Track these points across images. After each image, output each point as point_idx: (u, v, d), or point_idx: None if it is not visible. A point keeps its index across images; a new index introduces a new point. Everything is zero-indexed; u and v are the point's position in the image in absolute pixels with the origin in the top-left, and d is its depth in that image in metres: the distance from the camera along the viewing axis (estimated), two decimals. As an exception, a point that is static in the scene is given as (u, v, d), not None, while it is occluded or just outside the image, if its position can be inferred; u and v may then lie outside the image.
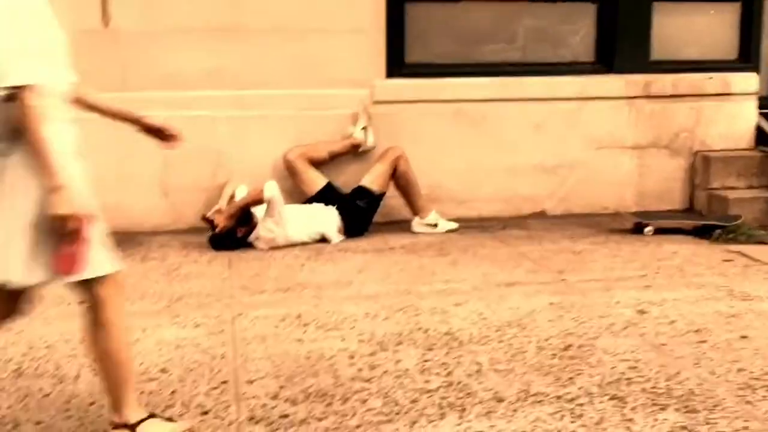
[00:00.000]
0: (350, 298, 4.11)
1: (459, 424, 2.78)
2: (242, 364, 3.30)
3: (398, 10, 5.80)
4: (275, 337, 3.59)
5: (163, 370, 3.24)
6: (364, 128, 5.66)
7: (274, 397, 3.00)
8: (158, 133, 2.89)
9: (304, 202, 5.46)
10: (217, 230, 5.10)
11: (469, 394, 3.01)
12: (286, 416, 2.84)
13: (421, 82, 5.80)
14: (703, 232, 5.38)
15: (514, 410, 2.88)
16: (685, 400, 2.95)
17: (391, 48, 5.79)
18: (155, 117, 2.88)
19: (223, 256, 4.92)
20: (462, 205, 5.84)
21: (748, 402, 2.95)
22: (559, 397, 2.97)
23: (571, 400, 2.96)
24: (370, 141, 5.68)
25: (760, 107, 6.28)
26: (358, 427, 2.77)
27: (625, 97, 6.05)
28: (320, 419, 2.82)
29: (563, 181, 6.03)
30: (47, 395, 3.03)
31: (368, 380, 3.14)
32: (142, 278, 4.43)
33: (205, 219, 5.19)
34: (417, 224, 5.57)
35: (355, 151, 5.69)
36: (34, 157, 2.30)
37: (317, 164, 5.58)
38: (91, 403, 2.94)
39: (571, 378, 3.14)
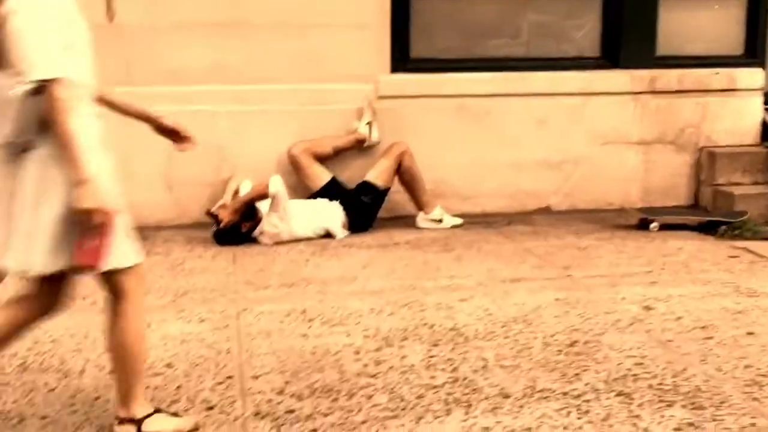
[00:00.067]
0: (355, 294, 4.11)
1: (465, 420, 2.78)
2: (247, 359, 3.30)
3: (403, 5, 5.78)
4: (280, 333, 3.58)
5: (169, 365, 3.23)
6: (369, 123, 5.65)
7: (280, 392, 2.99)
8: (173, 134, 2.94)
9: (309, 197, 5.44)
10: (221, 225, 5.09)
11: (474, 389, 3.00)
12: (291, 411, 2.84)
13: (426, 77, 5.79)
14: (708, 228, 5.36)
15: (521, 406, 2.87)
16: (692, 397, 2.94)
17: (395, 43, 5.77)
18: (168, 116, 2.92)
19: (228, 251, 4.91)
20: (467, 201, 5.83)
21: (755, 398, 2.94)
22: (565, 393, 2.97)
23: (578, 396, 2.95)
24: (375, 136, 5.67)
25: (766, 103, 6.26)
26: (363, 422, 2.77)
27: (630, 93, 6.02)
28: (326, 415, 2.82)
29: (568, 176, 6.01)
30: (52, 390, 3.03)
31: (374, 376, 3.13)
32: (147, 273, 4.38)
33: (209, 214, 5.18)
34: (422, 220, 5.56)
35: (360, 146, 5.68)
36: (60, 150, 2.30)
37: (322, 159, 5.57)
38: (97, 398, 2.94)
39: (577, 374, 3.13)
